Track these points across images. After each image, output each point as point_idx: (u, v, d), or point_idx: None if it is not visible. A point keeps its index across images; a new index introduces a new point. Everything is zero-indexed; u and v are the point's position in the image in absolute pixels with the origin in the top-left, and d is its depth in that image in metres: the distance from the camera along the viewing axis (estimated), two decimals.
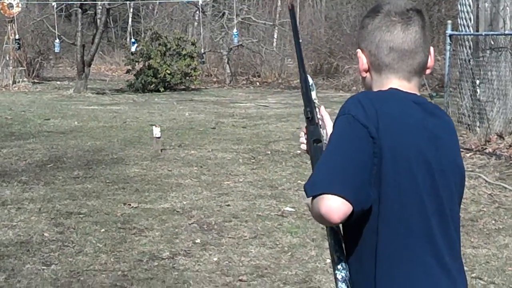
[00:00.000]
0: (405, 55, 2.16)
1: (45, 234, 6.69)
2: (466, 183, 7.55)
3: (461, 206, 7.09)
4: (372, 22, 2.19)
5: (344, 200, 1.94)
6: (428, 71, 2.23)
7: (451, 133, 2.23)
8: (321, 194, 1.96)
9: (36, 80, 25.42)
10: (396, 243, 2.04)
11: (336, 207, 1.93)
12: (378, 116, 2.02)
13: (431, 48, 2.23)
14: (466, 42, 12.33)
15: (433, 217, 2.08)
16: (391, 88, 2.15)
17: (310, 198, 2.01)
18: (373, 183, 2.01)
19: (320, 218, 1.98)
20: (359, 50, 2.24)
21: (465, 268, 5.87)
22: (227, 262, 6.05)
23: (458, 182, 2.21)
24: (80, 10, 23.15)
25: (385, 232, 2.04)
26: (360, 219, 2.03)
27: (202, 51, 23.11)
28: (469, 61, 12.21)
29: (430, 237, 2.07)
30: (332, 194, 1.94)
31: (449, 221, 2.13)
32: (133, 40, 23.19)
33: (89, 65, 22.78)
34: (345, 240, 2.13)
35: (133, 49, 23.15)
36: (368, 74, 2.23)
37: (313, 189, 1.99)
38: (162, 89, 23.46)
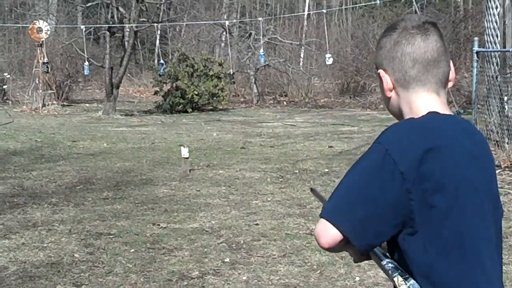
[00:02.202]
0: (429, 65, 2.13)
1: (75, 255, 6.74)
2: None
3: None
4: (390, 39, 2.17)
5: (337, 231, 2.00)
6: (450, 84, 2.19)
7: (488, 151, 2.20)
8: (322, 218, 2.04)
9: (65, 103, 25.64)
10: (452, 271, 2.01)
11: (325, 232, 2.02)
12: (422, 147, 1.97)
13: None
14: (493, 59, 12.30)
15: (482, 243, 2.05)
16: (430, 112, 2.09)
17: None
18: (402, 219, 1.98)
19: (317, 233, 2.06)
20: (381, 71, 2.19)
21: None
22: (256, 281, 6.05)
23: (498, 204, 2.20)
24: (108, 33, 23.37)
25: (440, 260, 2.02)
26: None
27: (231, 71, 23.18)
28: (497, 77, 12.17)
29: (482, 265, 2.04)
30: (328, 221, 2.01)
31: (494, 246, 2.12)
32: (161, 61, 23.32)
33: (118, 87, 22.97)
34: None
35: (161, 70, 23.32)
36: (393, 93, 2.18)
37: (321, 212, 2.06)
38: (190, 110, 23.57)
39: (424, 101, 2.13)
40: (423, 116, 2.08)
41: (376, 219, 1.99)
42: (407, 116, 2.14)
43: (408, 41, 2.14)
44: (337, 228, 2.00)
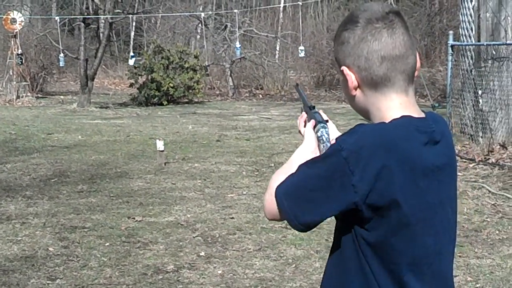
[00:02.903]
0: (397, 61, 2.02)
1: (50, 249, 6.71)
2: (469, 193, 7.52)
3: (465, 216, 7.08)
4: (354, 34, 2.06)
5: (279, 213, 2.07)
6: (417, 73, 2.10)
7: (453, 159, 2.18)
8: (277, 197, 2.07)
9: (39, 95, 25.48)
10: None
11: (270, 209, 2.11)
12: (380, 163, 1.92)
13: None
14: (468, 52, 12.37)
15: (428, 260, 2.06)
16: (403, 116, 2.02)
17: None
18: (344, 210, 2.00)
19: (266, 200, 2.14)
20: (344, 68, 2.08)
21: (469, 279, 5.87)
22: (231, 274, 6.06)
23: (455, 212, 2.19)
24: (83, 24, 23.22)
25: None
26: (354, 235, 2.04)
27: (206, 63, 23.10)
28: (471, 71, 12.24)
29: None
30: (277, 202, 2.07)
31: (445, 258, 2.14)
32: (131, 53, 23.15)
33: (92, 79, 22.84)
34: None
35: (131, 62, 23.04)
36: (358, 92, 2.09)
37: (277, 187, 2.08)
38: (165, 103, 23.50)
39: (394, 103, 2.05)
40: (394, 120, 2.01)
41: (319, 216, 2.02)
42: (375, 117, 2.08)
43: (375, 37, 2.03)
44: (280, 213, 2.07)
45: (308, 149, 2.29)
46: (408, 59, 2.05)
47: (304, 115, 2.46)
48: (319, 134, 2.31)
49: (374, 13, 2.05)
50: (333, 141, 2.06)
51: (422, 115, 2.09)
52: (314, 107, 2.42)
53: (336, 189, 1.95)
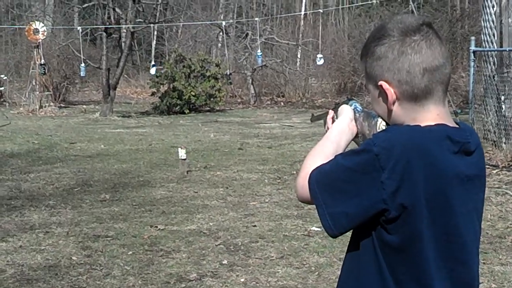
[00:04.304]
0: (437, 72, 2.02)
1: (73, 258, 6.73)
2: (493, 199, 7.47)
3: (489, 223, 7.02)
4: (392, 49, 2.04)
5: (315, 200, 2.08)
6: None
7: (483, 169, 2.16)
8: (310, 182, 2.09)
9: (62, 105, 25.62)
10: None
11: (301, 193, 2.13)
12: (411, 162, 1.95)
13: None
14: (490, 58, 12.30)
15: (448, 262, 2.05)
16: (438, 124, 2.03)
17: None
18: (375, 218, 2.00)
19: (298, 183, 2.15)
20: (383, 83, 2.06)
21: (494, 286, 5.81)
22: (254, 282, 6.05)
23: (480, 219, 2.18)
24: (105, 34, 23.34)
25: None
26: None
27: (228, 72, 23.13)
28: (494, 77, 12.16)
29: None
30: (309, 188, 2.08)
31: (471, 268, 2.12)
32: (153, 63, 23.17)
33: (115, 88, 22.96)
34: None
35: (152, 71, 23.04)
36: (396, 106, 2.07)
37: (310, 179, 2.09)
38: (187, 111, 23.55)
39: (431, 114, 2.05)
40: (428, 126, 2.02)
41: (348, 209, 2.02)
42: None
43: (415, 50, 2.02)
44: (311, 198, 2.08)
45: (344, 122, 2.34)
46: (446, 69, 2.06)
47: (331, 112, 2.47)
48: (353, 106, 2.38)
49: (409, 25, 2.05)
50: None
51: (456, 125, 2.09)
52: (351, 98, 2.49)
53: (366, 184, 1.97)
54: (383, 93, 2.08)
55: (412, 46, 2.02)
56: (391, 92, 2.06)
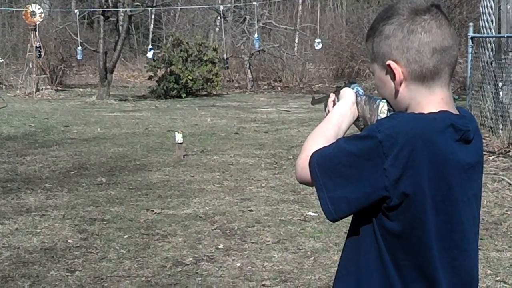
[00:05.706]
0: (446, 53, 2.01)
1: (69, 241, 6.73)
2: (489, 186, 7.47)
3: (485, 209, 7.02)
4: (401, 27, 2.02)
5: (316, 183, 2.06)
6: None
7: (481, 156, 2.15)
8: (311, 164, 2.07)
9: (59, 88, 25.60)
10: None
11: (302, 174, 2.12)
12: (414, 150, 1.93)
13: None
14: (488, 44, 12.28)
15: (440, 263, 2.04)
16: (441, 111, 2.01)
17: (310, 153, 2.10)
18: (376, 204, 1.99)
19: (298, 164, 2.15)
20: (391, 62, 2.03)
21: (489, 272, 5.82)
22: (250, 267, 6.05)
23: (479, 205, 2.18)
24: (102, 17, 23.29)
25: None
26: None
27: (225, 56, 23.09)
28: (491, 63, 12.15)
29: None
30: (310, 169, 2.07)
31: (470, 255, 2.12)
32: (150, 46, 23.15)
33: (112, 72, 22.91)
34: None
35: (149, 55, 23.02)
36: (403, 87, 2.05)
37: (310, 161, 2.08)
38: (184, 95, 23.54)
39: (436, 98, 2.04)
40: (432, 113, 2.00)
41: (348, 194, 2.00)
42: (413, 110, 2.05)
43: (425, 29, 2.00)
44: (312, 180, 2.07)
45: (347, 104, 2.34)
46: (454, 51, 2.04)
47: (333, 95, 2.47)
48: (355, 90, 2.37)
49: (420, 5, 2.03)
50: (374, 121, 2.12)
51: (457, 111, 2.07)
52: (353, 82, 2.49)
53: (368, 170, 1.95)
54: (390, 73, 2.06)
55: (422, 25, 2.01)
56: (399, 71, 2.03)
